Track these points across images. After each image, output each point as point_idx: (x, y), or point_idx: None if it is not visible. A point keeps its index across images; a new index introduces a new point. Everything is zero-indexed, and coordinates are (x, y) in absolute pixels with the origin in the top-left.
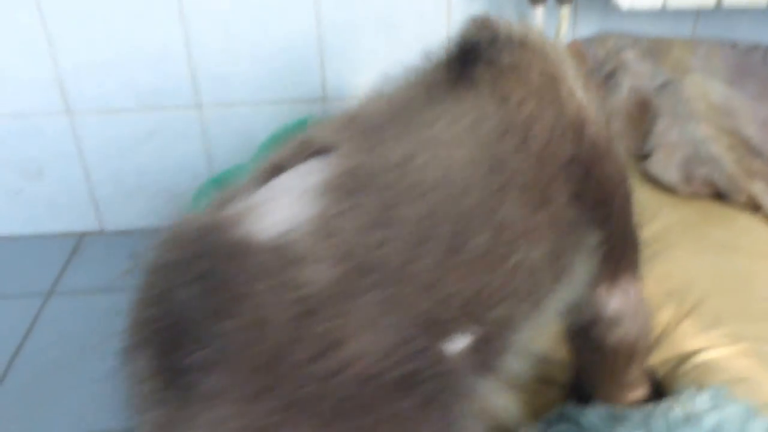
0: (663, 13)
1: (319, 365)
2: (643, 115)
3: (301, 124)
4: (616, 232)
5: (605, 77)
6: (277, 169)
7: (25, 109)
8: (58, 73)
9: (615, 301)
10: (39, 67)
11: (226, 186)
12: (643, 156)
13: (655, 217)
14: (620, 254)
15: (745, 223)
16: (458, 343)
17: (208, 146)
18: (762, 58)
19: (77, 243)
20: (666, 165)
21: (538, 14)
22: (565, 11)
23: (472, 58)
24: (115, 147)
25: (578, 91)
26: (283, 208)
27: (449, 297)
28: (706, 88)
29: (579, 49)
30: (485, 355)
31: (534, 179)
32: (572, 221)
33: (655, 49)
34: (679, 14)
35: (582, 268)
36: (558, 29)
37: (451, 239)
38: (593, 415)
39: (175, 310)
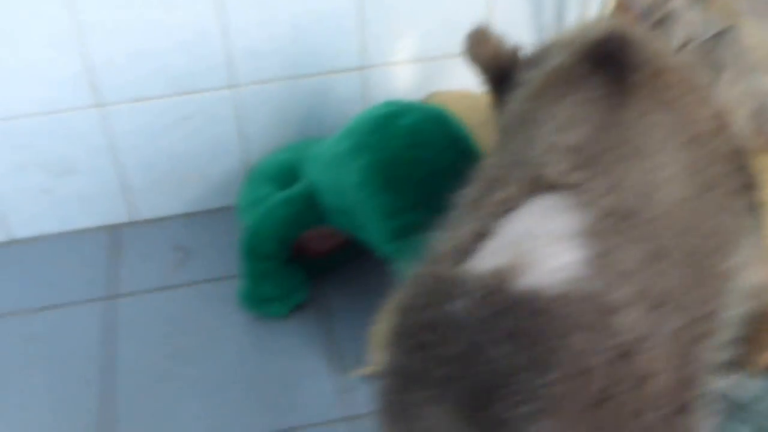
0: None
1: (636, 401)
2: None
3: (388, 113)
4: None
5: (653, 27)
6: (505, 210)
7: (54, 107)
8: (88, 66)
9: (762, 273)
10: (69, 61)
11: (440, 228)
12: None
13: None
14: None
15: None
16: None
17: (241, 127)
18: None
19: (112, 236)
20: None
21: None
22: None
23: (615, 63)
24: (146, 135)
25: (711, 86)
26: (553, 255)
27: (713, 318)
28: (763, 35)
29: None
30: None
31: (726, 185)
32: (747, 215)
33: None
34: None
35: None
36: None
37: (702, 261)
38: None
39: (483, 367)
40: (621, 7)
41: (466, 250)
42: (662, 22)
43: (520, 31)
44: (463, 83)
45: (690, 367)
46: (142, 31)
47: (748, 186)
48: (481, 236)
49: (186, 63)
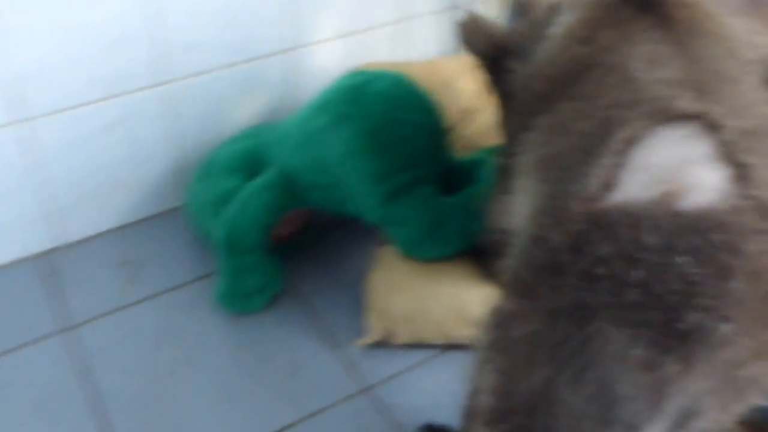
0: None
1: None
2: None
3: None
4: None
5: None
6: (632, 144)
7: None
8: (5, 81)
9: None
10: None
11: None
12: None
13: None
14: None
15: None
16: None
17: (174, 125)
18: None
19: (47, 264)
20: None
21: None
22: None
23: (656, 4)
24: (72, 148)
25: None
26: (704, 176)
27: None
28: None
29: None
30: None
31: None
32: None
33: None
34: None
35: None
36: None
37: None
38: None
39: (673, 284)
40: None
41: (610, 185)
42: None
43: None
44: (384, 54)
45: None
46: (63, 35)
47: None
48: (618, 170)
49: (113, 64)
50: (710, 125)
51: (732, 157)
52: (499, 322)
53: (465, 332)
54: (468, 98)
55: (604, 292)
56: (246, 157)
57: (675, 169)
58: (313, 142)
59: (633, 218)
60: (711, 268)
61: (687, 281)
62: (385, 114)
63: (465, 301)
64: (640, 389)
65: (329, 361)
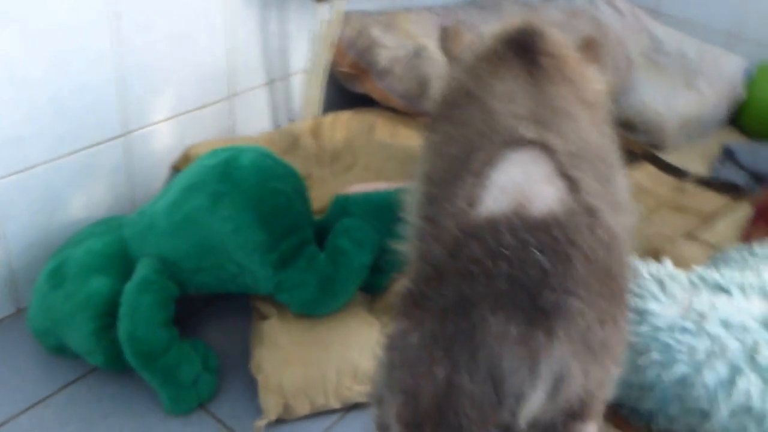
0: None
1: (609, 259)
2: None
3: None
4: None
5: (361, 53)
6: (490, 165)
7: None
8: None
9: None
10: None
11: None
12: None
13: None
14: None
15: None
16: None
17: (1, 227)
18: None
19: None
20: None
21: (323, 11)
22: (342, 3)
23: (530, 51)
24: None
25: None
26: (547, 190)
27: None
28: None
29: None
30: None
31: (609, 131)
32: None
33: (388, 23)
34: None
35: None
36: (334, 21)
37: (608, 173)
38: None
39: (530, 272)
40: (333, 43)
41: (473, 202)
42: (368, 48)
43: (254, 74)
44: (216, 131)
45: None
46: None
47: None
48: (478, 189)
49: None
50: (547, 149)
51: (565, 173)
52: (393, 343)
53: (361, 390)
54: (302, 168)
55: (480, 285)
56: (110, 254)
57: (522, 185)
58: (191, 225)
59: (494, 224)
60: (556, 257)
61: (541, 269)
62: (260, 185)
63: (355, 360)
64: (520, 360)
65: None
